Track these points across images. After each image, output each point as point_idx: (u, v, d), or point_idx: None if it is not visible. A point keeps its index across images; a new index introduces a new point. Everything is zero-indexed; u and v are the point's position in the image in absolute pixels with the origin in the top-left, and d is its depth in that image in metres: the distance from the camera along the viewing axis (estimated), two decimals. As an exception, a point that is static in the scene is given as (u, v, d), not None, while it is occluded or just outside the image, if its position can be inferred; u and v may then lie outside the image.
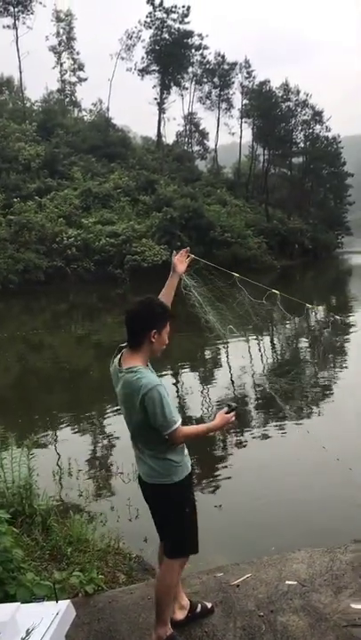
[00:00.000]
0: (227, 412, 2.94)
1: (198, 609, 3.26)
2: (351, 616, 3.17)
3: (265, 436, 8.91)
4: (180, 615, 3.18)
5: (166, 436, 2.80)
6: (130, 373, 2.80)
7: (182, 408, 10.49)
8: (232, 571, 3.80)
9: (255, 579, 3.67)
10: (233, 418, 2.95)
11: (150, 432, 2.82)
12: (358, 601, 3.32)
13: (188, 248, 3.57)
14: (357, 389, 11.20)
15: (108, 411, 10.58)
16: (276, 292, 4.45)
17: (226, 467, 7.77)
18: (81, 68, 64.67)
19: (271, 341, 17.91)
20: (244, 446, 8.56)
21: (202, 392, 12.14)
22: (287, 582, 3.58)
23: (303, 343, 16.86)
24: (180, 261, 3.45)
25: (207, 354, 15.89)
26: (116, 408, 10.01)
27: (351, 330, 17.45)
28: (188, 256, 3.51)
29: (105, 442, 9.24)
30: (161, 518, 3.06)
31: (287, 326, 18.49)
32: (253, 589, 3.52)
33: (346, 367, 13.44)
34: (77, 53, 64.49)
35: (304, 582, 3.58)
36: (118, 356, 2.97)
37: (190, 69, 61.53)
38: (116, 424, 9.47)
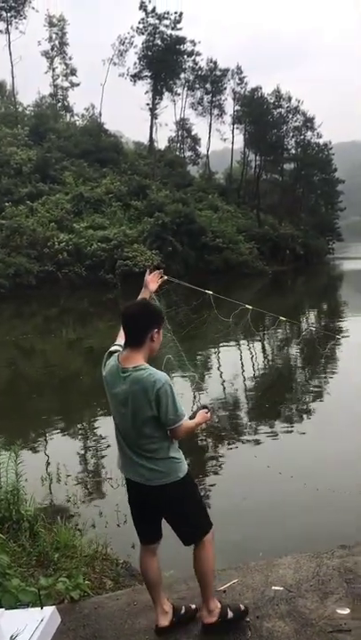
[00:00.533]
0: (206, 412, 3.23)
1: (182, 611, 3.25)
2: (337, 621, 3.17)
3: (252, 442, 8.93)
4: (165, 621, 3.15)
5: (169, 432, 2.93)
6: (139, 371, 2.87)
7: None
8: (219, 576, 3.78)
9: (242, 584, 3.66)
10: (209, 416, 3.23)
11: (156, 430, 2.91)
12: (344, 606, 3.32)
13: (162, 270, 3.76)
14: (348, 394, 11.25)
15: (98, 416, 10.56)
16: (249, 306, 4.53)
17: (212, 473, 7.77)
18: (73, 72, 64.76)
19: (263, 348, 17.98)
20: (231, 452, 8.57)
21: (193, 397, 12.15)
22: (273, 588, 3.58)
23: (289, 353, 16.93)
24: (153, 280, 3.66)
25: (198, 358, 15.91)
26: (107, 413, 9.99)
27: (343, 335, 17.57)
28: (162, 277, 3.72)
29: (94, 447, 9.22)
30: (177, 516, 3.08)
31: (279, 335, 18.62)
32: (240, 595, 3.52)
33: (335, 373, 13.48)
34: (70, 58, 64.52)
35: (290, 588, 3.57)
36: (116, 358, 3.00)
37: (182, 75, 61.78)
38: (106, 429, 9.44)
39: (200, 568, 3.12)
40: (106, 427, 9.59)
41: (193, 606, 3.30)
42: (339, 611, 3.28)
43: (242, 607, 3.23)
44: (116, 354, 3.04)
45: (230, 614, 3.16)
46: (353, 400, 10.78)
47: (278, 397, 11.61)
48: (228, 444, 8.90)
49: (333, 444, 8.46)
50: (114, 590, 4.13)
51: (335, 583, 3.60)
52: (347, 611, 3.27)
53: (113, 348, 3.14)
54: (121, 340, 3.13)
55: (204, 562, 3.11)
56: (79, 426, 10.46)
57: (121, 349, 3.06)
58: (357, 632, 3.06)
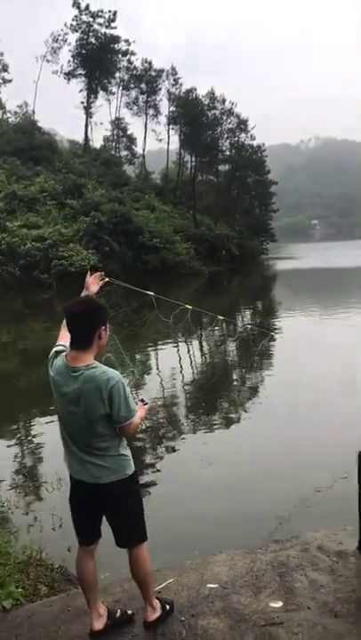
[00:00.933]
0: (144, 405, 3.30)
1: (118, 614, 3.24)
2: (270, 615, 3.23)
3: (189, 440, 8.97)
4: (99, 625, 3.13)
5: (119, 429, 2.95)
6: (92, 369, 2.87)
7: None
8: (154, 576, 3.78)
9: (177, 583, 3.67)
10: (148, 407, 3.33)
11: (108, 428, 2.92)
12: (277, 600, 3.38)
13: (103, 273, 3.73)
14: (281, 390, 11.50)
15: (33, 419, 10.35)
16: (189, 306, 4.60)
17: (149, 472, 7.75)
18: (5, 69, 63.05)
19: (200, 347, 18.13)
20: (168, 450, 8.58)
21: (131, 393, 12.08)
22: (208, 585, 3.60)
23: (226, 351, 17.15)
24: (94, 282, 3.63)
25: (138, 358, 15.88)
26: (47, 417, 9.81)
27: (278, 333, 17.97)
28: (103, 279, 3.69)
29: (29, 451, 9.00)
30: (121, 514, 3.09)
31: (216, 334, 18.82)
32: (175, 594, 3.52)
33: (271, 370, 13.74)
34: (1, 54, 62.95)
35: (225, 584, 3.61)
36: (64, 358, 2.96)
37: (117, 75, 61.64)
38: (41, 432, 9.27)
39: (140, 570, 3.14)
40: (41, 429, 9.41)
41: (129, 612, 3.30)
42: (272, 604, 3.34)
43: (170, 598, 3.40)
44: (63, 354, 3.00)
45: (167, 606, 3.28)
46: (286, 396, 11.04)
47: (216, 394, 11.73)
48: (165, 441, 8.91)
49: (268, 439, 8.61)
50: (49, 596, 4.04)
51: (268, 577, 3.66)
52: (279, 604, 3.34)
53: (58, 348, 3.09)
54: (64, 339, 3.10)
55: (143, 563, 3.14)
56: (13, 428, 10.21)
57: (66, 349, 3.02)
58: (289, 624, 3.14)
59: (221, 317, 5.67)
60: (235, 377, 13.92)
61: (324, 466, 7.08)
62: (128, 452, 3.08)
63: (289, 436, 8.68)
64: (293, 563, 3.83)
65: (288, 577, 3.65)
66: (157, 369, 15.05)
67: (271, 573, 3.72)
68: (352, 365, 12.80)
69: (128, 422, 2.93)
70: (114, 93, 63.44)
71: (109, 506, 3.08)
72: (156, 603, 3.23)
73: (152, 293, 4.46)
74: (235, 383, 13.22)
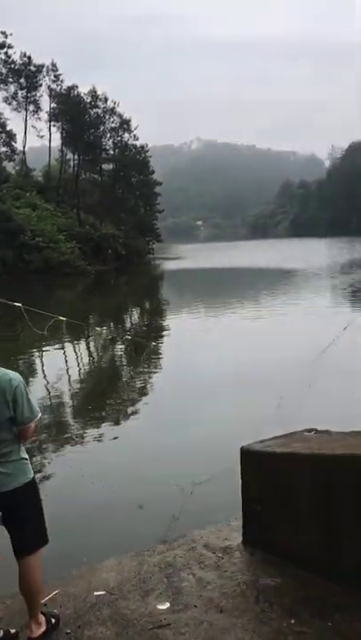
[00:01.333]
0: None
1: (1, 634, 3.10)
2: (157, 617, 3.23)
3: (71, 445, 8.79)
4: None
5: (19, 431, 2.90)
6: None
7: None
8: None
9: (63, 594, 3.58)
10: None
11: (9, 432, 2.86)
12: (164, 601, 3.40)
13: None
14: (166, 393, 11.64)
15: None
16: (63, 318, 4.54)
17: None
18: None
19: (89, 351, 17.91)
20: (50, 459, 8.34)
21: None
22: (95, 593, 3.55)
23: (113, 355, 17.11)
24: None
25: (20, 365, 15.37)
26: None
27: (165, 334, 18.21)
28: None
29: None
30: (23, 519, 2.99)
31: (102, 337, 18.68)
32: (61, 606, 3.43)
33: (156, 372, 13.86)
34: None
35: (112, 590, 3.57)
36: None
37: (-6, 68, 59.19)
38: None
39: (31, 580, 3.05)
40: None
41: (12, 630, 3.17)
42: (159, 606, 3.35)
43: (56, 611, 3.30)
44: None
45: (53, 620, 3.19)
46: (170, 397, 11.19)
47: (103, 398, 11.62)
48: (50, 450, 8.68)
49: (156, 442, 8.61)
50: None
51: (156, 579, 3.67)
52: (167, 605, 3.36)
53: None
54: None
55: (34, 573, 3.06)
56: None
57: None
58: (176, 624, 3.15)
59: (99, 329, 5.61)
60: (122, 380, 13.88)
61: (205, 462, 7.21)
62: (26, 455, 3.03)
63: (176, 436, 8.75)
64: (180, 562, 3.87)
65: (175, 577, 3.68)
66: (44, 376, 14.66)
67: (159, 575, 3.73)
68: (234, 363, 13.25)
69: (33, 422, 2.91)
70: (-9, 87, 60.91)
71: (10, 512, 2.97)
72: (41, 617, 3.13)
73: (20, 304, 4.32)
74: (120, 387, 13.16)
